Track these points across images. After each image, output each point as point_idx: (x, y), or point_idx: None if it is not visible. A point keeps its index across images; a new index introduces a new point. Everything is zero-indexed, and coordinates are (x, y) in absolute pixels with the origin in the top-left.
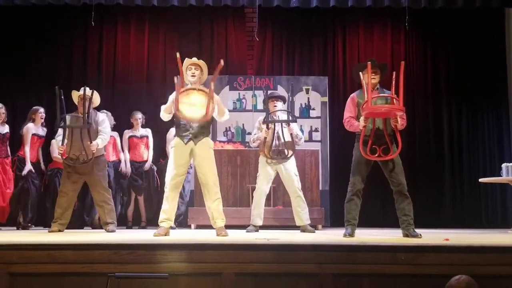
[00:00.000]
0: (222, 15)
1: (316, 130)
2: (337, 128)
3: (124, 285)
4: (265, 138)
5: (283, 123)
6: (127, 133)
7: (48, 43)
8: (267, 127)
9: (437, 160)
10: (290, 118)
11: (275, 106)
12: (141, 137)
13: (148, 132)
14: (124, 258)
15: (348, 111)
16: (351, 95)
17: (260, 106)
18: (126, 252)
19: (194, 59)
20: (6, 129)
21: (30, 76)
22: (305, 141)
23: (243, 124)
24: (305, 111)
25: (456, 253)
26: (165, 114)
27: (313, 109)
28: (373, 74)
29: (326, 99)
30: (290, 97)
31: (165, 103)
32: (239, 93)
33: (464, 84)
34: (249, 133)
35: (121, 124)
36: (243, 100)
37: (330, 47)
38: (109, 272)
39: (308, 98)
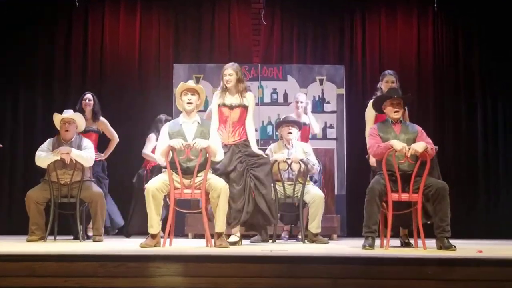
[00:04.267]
0: None
1: (331, 127)
2: (355, 124)
3: None
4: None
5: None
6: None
7: (26, 26)
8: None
9: (469, 162)
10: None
11: (290, 133)
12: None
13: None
14: (112, 271)
15: (373, 140)
16: (372, 126)
17: (267, 99)
18: (115, 264)
19: (190, 83)
20: None
21: (5, 63)
22: (319, 138)
23: None
24: (319, 105)
25: (490, 266)
26: (162, 158)
27: (328, 102)
28: (397, 108)
29: (342, 91)
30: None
31: (159, 96)
32: None
33: (501, 75)
34: (255, 130)
35: (113, 118)
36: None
37: (347, 31)
38: (95, 287)
39: (322, 89)
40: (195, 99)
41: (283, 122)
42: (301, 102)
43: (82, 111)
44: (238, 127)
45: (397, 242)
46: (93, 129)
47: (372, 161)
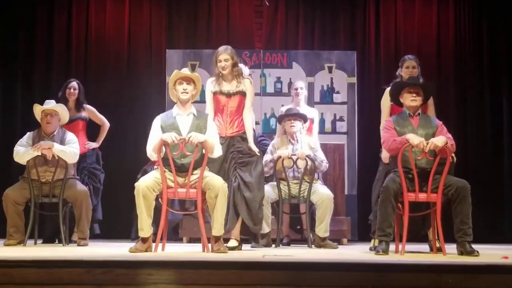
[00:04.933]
0: None
1: (341, 119)
2: (367, 117)
3: None
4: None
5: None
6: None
7: (3, 8)
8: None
9: (494, 157)
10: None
11: (292, 126)
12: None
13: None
14: (99, 279)
15: (388, 133)
16: (388, 119)
17: (270, 88)
18: (102, 270)
19: (186, 72)
20: None
21: None
22: (328, 132)
23: None
24: (328, 95)
25: None
26: (153, 154)
27: (338, 92)
28: (414, 95)
29: (354, 79)
30: None
31: (151, 85)
32: None
33: None
34: (257, 123)
35: (99, 109)
36: None
37: (359, 13)
38: None
39: (332, 78)
40: (191, 88)
41: (286, 115)
42: (301, 89)
43: (65, 100)
44: (237, 117)
45: (413, 247)
46: (79, 116)
47: (385, 156)
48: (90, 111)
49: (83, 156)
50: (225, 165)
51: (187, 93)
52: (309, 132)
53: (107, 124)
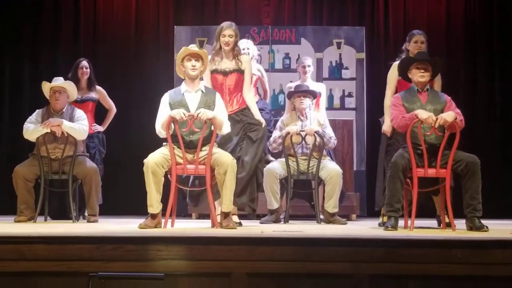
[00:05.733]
0: None
1: (349, 95)
2: (376, 93)
3: (109, 287)
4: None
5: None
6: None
7: None
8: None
9: (504, 135)
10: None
11: (302, 102)
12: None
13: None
14: (109, 255)
15: (396, 110)
16: (396, 95)
17: (278, 64)
18: (112, 246)
19: (194, 48)
20: None
21: None
22: (336, 108)
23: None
24: (336, 71)
25: None
26: (162, 131)
27: (346, 68)
28: (422, 71)
29: (363, 55)
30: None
31: (159, 62)
32: None
33: None
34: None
35: (107, 86)
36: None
37: None
38: (90, 272)
39: (340, 54)
40: (199, 65)
41: (295, 91)
42: (309, 66)
43: (77, 80)
44: (236, 94)
45: (422, 222)
46: (90, 98)
47: (385, 128)
48: (101, 92)
49: (90, 137)
50: (235, 138)
51: (196, 69)
52: (317, 107)
53: (114, 109)
